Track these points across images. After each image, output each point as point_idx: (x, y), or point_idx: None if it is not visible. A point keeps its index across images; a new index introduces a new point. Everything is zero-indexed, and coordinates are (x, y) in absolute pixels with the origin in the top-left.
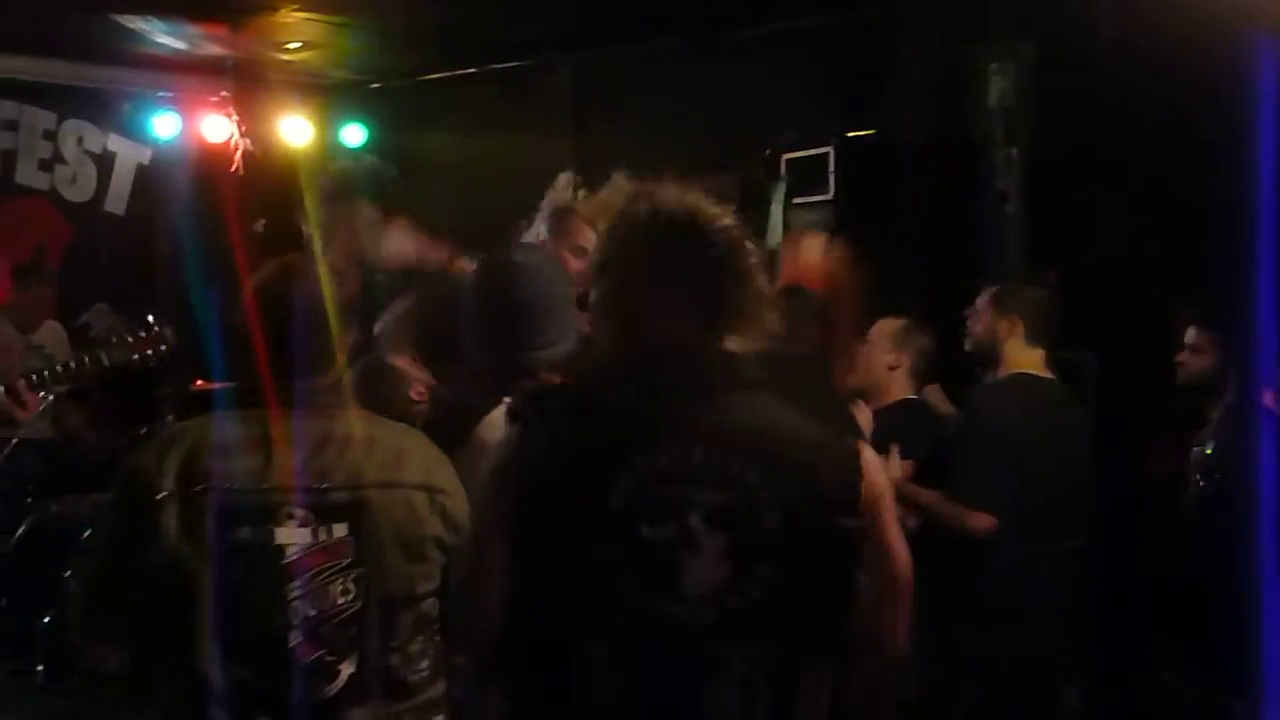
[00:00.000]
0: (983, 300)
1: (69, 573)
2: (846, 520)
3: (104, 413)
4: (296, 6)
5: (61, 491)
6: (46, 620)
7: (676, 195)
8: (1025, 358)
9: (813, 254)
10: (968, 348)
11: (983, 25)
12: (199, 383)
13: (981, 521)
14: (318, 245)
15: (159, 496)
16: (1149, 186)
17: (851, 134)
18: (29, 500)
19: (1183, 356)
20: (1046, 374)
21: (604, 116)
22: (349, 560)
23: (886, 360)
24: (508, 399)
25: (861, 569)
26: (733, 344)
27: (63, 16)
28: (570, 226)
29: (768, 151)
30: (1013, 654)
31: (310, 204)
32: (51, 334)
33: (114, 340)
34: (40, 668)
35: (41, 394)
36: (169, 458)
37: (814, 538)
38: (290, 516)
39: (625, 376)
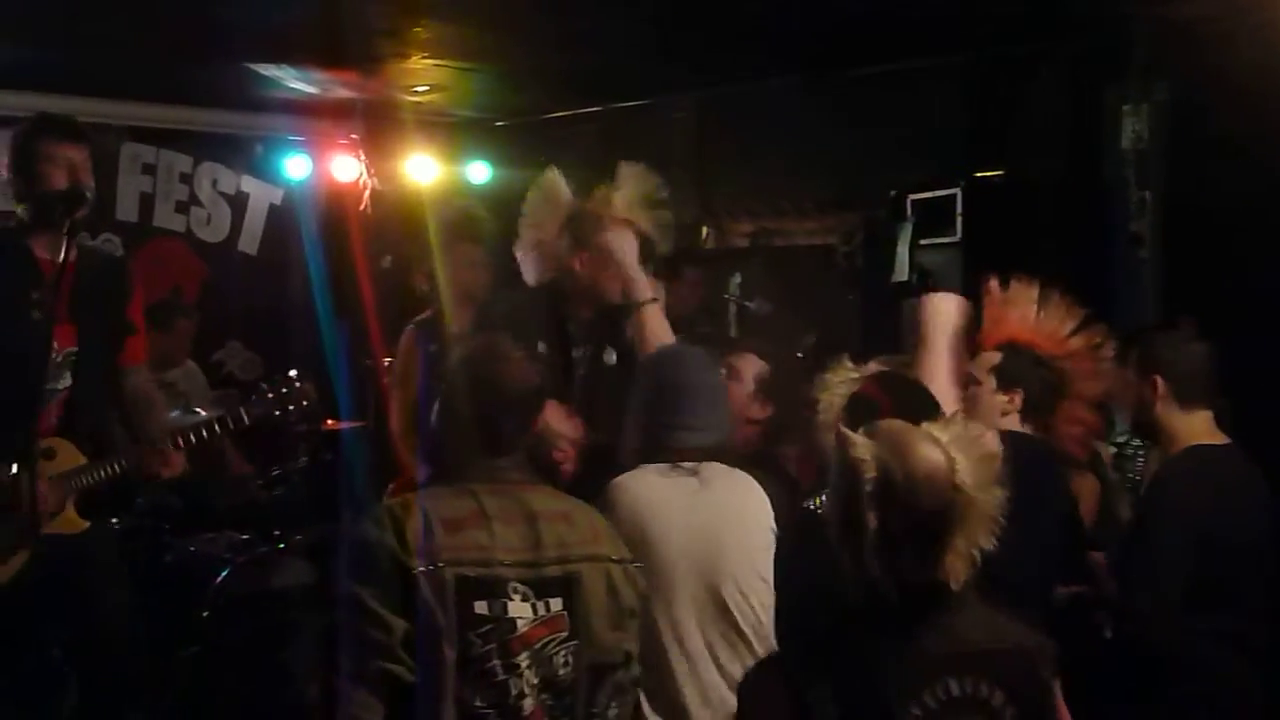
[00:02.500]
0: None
1: (206, 613)
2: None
3: (239, 453)
4: (426, 54)
5: (198, 530)
6: (184, 657)
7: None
8: (1192, 426)
9: (1028, 307)
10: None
11: (1116, 65)
12: (330, 422)
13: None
14: (441, 284)
15: (413, 571)
16: None
17: (980, 175)
18: (166, 539)
19: None
20: (1220, 438)
21: (726, 155)
22: (566, 633)
23: (998, 401)
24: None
25: None
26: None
27: (198, 65)
28: (591, 229)
29: (893, 191)
30: None
31: (434, 243)
32: (188, 374)
33: (254, 397)
34: (176, 705)
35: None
36: (408, 533)
37: None
38: (515, 591)
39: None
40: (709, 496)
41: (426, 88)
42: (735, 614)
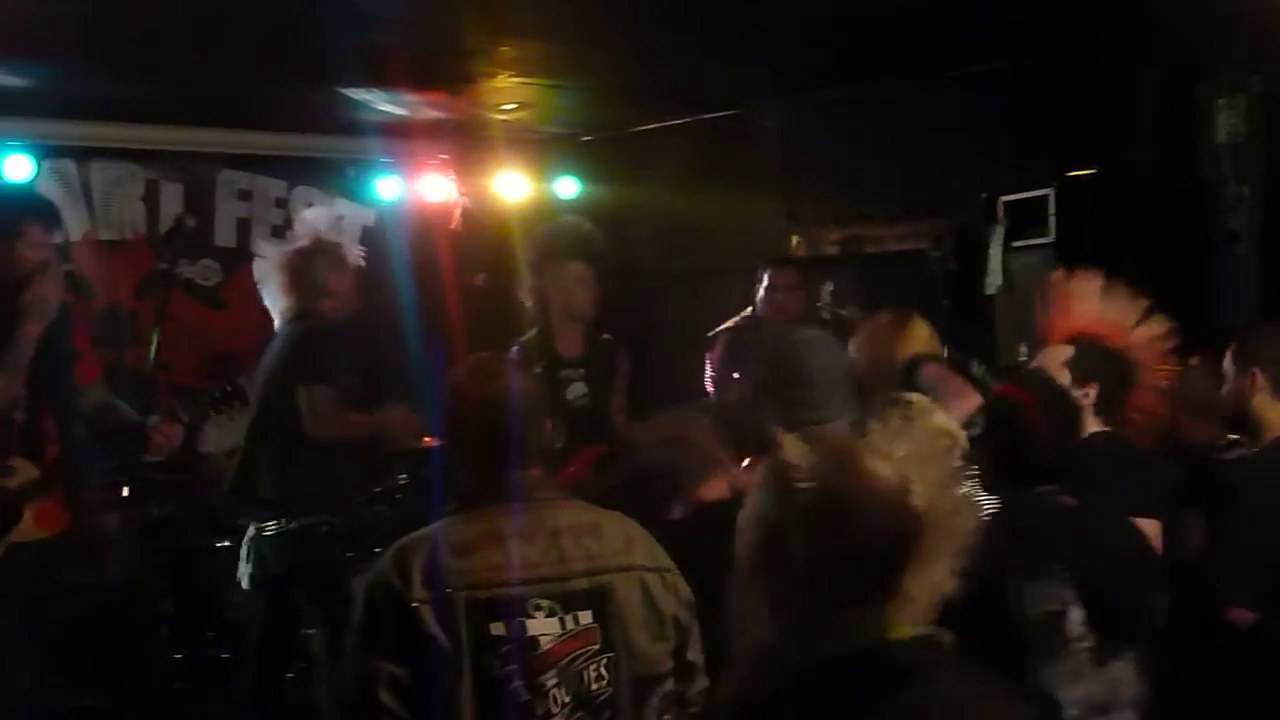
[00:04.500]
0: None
1: (312, 630)
2: None
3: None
4: (512, 72)
5: None
6: (289, 677)
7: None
8: None
9: (1094, 299)
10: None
11: (1209, 60)
12: (427, 440)
13: (1241, 616)
14: (531, 302)
15: (412, 605)
16: None
17: (1073, 174)
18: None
19: None
20: None
21: (813, 162)
22: (598, 646)
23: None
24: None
25: None
26: None
27: (290, 91)
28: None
29: (984, 194)
30: None
31: (524, 260)
32: None
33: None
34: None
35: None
36: (413, 567)
37: None
38: (538, 608)
39: None
40: None
41: (514, 105)
42: None
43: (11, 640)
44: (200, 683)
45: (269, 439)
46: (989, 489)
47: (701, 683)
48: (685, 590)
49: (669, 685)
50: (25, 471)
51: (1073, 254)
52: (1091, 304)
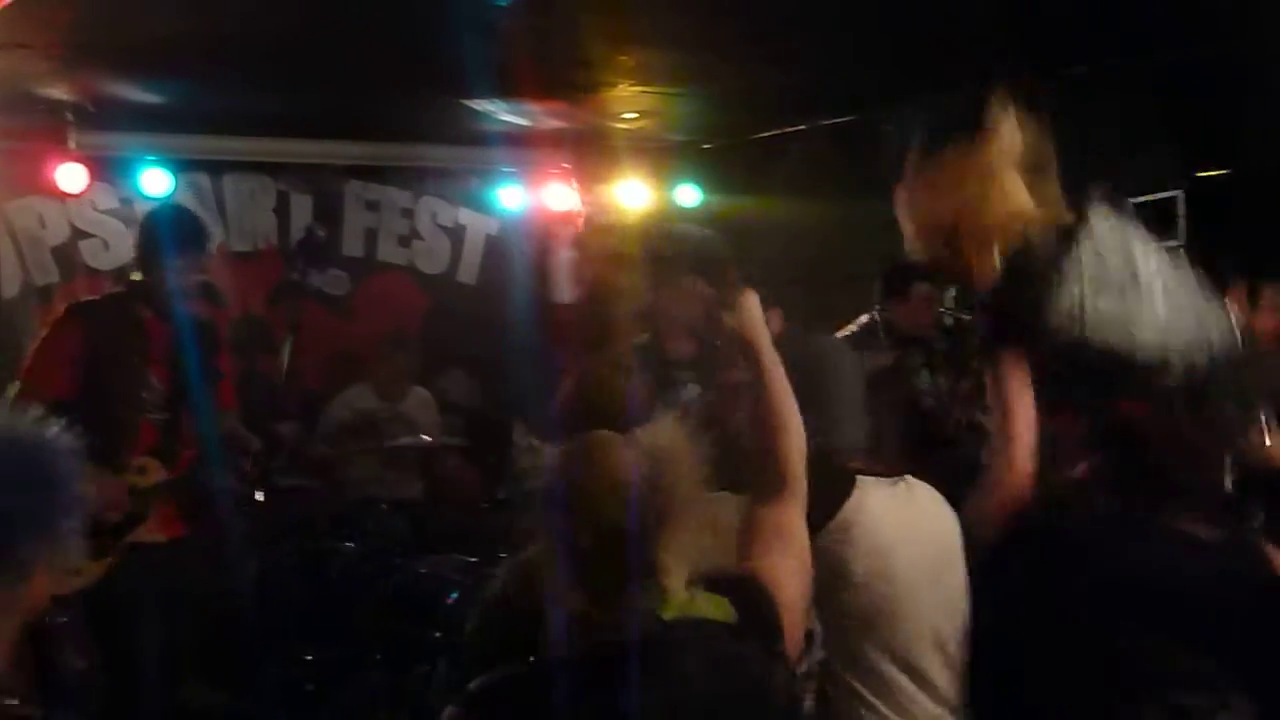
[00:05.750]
0: None
1: (439, 633)
2: None
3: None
4: (633, 81)
5: (427, 553)
6: (418, 674)
7: None
8: None
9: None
10: None
11: None
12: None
13: None
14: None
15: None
16: None
17: (1203, 175)
18: (398, 561)
19: None
20: None
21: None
22: None
23: None
24: None
25: None
26: None
27: (415, 104)
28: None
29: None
30: None
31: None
32: (419, 401)
33: None
34: None
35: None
36: (535, 583)
37: None
38: None
39: None
40: (925, 510)
41: (635, 114)
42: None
43: (137, 640)
44: (329, 682)
45: None
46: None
47: (817, 654)
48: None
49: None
50: (156, 472)
51: (1204, 258)
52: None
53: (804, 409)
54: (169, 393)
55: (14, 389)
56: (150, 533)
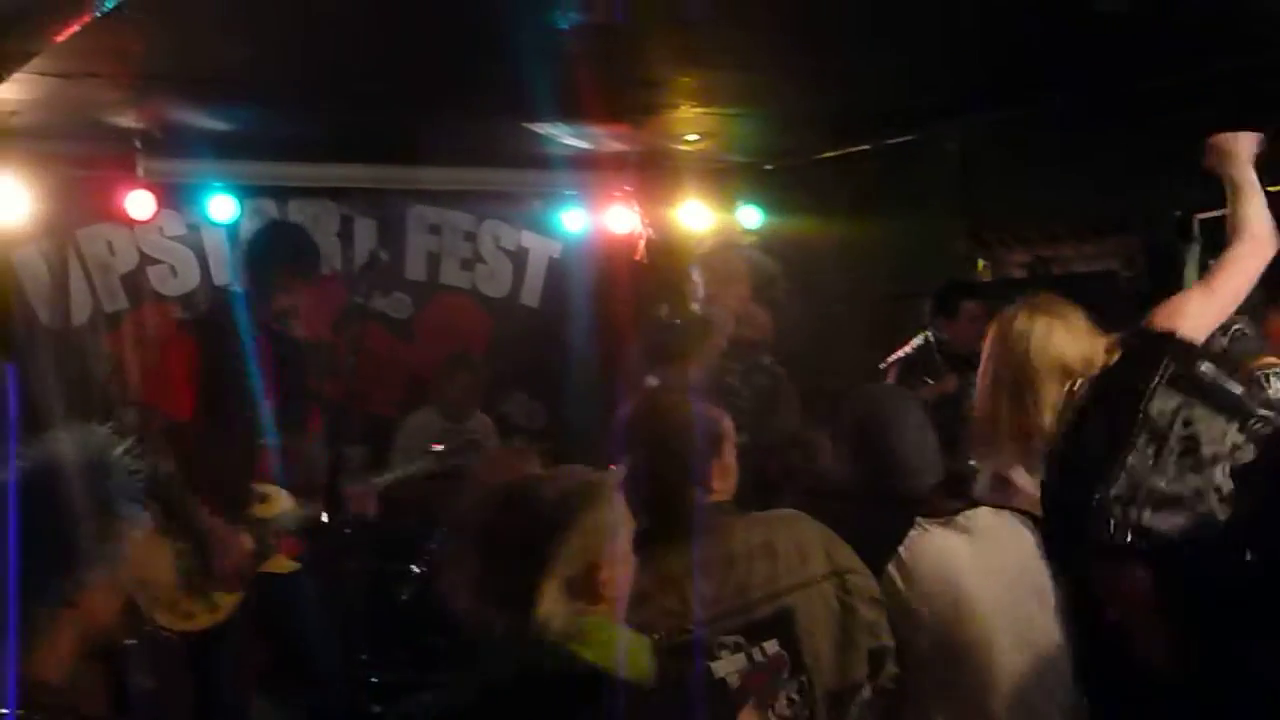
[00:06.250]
0: None
1: None
2: None
3: None
4: (694, 102)
5: None
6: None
7: None
8: None
9: None
10: None
11: None
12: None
13: None
14: (711, 328)
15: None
16: None
17: (1273, 188)
18: None
19: None
20: None
21: (996, 183)
22: (787, 672)
23: None
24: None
25: None
26: None
27: (478, 128)
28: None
29: (1178, 211)
30: None
31: (703, 289)
32: (483, 425)
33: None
34: None
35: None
36: None
37: None
38: (722, 646)
39: None
40: (996, 539)
41: (696, 136)
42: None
43: (260, 669)
44: (395, 704)
45: None
46: None
47: (890, 669)
48: (867, 586)
49: (866, 693)
50: (279, 500)
51: (1272, 272)
52: None
53: (868, 460)
54: (281, 416)
55: (129, 414)
56: (278, 564)
